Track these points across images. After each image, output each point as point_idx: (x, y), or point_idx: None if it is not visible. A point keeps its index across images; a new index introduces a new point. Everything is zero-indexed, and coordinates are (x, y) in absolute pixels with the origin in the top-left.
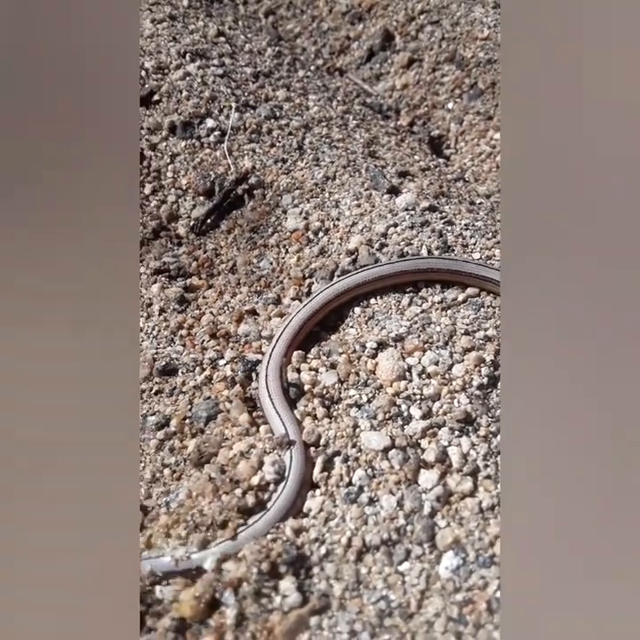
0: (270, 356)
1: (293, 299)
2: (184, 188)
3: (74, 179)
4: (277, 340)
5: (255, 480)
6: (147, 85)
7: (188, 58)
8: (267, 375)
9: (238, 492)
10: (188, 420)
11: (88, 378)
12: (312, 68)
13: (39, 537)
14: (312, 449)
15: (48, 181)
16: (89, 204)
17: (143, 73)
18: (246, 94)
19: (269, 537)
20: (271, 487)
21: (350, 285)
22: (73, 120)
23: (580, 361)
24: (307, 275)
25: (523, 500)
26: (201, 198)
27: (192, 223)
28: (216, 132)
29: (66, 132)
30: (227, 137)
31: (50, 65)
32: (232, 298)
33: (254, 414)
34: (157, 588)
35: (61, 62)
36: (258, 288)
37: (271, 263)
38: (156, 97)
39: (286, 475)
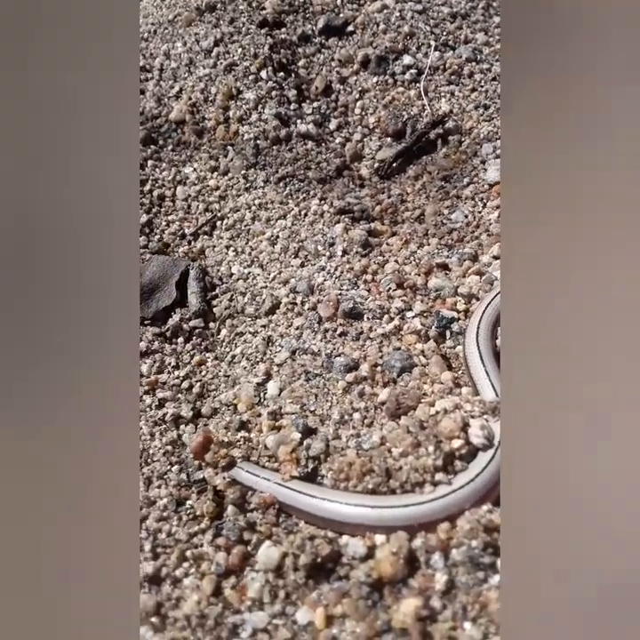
0: (482, 315)
1: (496, 257)
2: (371, 126)
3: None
4: (493, 299)
5: (457, 443)
6: (341, 14)
7: None
8: (478, 335)
9: (440, 452)
10: (379, 368)
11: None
12: None
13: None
14: None
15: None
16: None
17: (339, 1)
18: (445, 34)
19: (485, 508)
20: (475, 453)
21: None
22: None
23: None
24: None
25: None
26: (388, 139)
27: (377, 165)
28: (412, 70)
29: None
30: (424, 76)
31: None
32: (419, 248)
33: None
34: (346, 538)
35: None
36: (449, 241)
37: (466, 216)
38: (349, 28)
39: (496, 443)
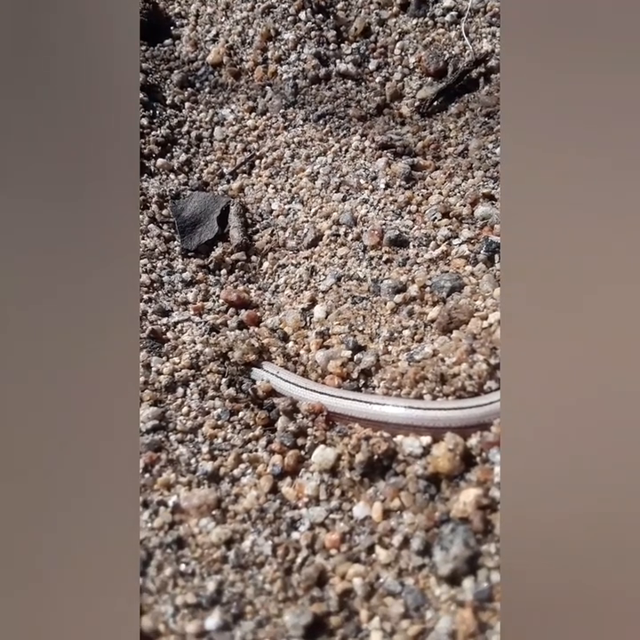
0: None
1: None
2: (411, 66)
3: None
4: None
5: None
6: None
7: None
8: None
9: (495, 358)
10: (428, 289)
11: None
12: None
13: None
14: None
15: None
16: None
17: None
18: None
19: None
20: None
21: None
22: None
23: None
24: None
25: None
26: (429, 79)
27: (417, 103)
28: (452, 13)
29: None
30: (464, 18)
31: None
32: (463, 181)
33: None
34: (401, 437)
35: None
36: (494, 174)
37: None
38: None
39: None
